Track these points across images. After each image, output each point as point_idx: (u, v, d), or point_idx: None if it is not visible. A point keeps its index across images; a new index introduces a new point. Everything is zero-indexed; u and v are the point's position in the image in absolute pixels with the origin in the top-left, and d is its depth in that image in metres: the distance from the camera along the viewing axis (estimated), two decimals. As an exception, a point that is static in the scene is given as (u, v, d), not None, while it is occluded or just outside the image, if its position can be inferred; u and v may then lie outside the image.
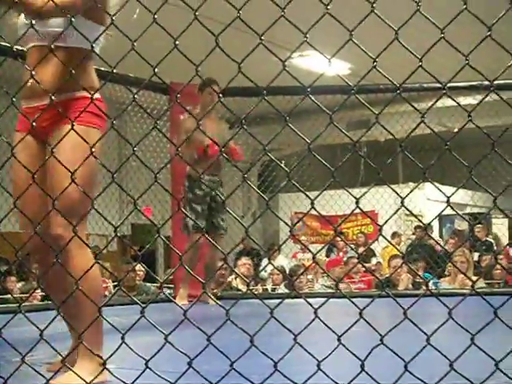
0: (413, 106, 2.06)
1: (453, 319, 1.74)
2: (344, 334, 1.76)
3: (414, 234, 12.98)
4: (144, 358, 1.83)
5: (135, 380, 1.84)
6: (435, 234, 14.45)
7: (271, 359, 1.76)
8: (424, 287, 8.67)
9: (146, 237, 14.14)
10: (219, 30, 1.82)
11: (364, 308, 1.74)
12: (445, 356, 1.75)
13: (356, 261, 10.15)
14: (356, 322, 1.73)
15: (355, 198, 1.81)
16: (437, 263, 10.17)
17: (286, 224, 2.11)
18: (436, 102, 2.07)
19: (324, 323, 1.74)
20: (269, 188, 10.97)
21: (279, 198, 14.32)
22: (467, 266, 8.32)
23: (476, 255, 10.48)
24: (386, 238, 2.03)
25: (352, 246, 12.23)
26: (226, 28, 1.82)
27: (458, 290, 7.43)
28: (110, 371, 1.90)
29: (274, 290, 9.63)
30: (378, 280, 9.22)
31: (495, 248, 11.38)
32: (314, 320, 1.73)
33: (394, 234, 12.57)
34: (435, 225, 14.79)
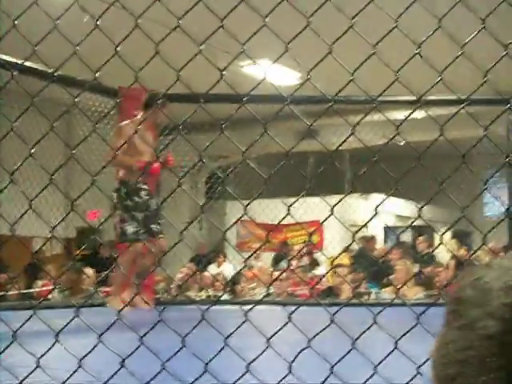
0: (344, 119, 2.09)
1: (376, 324, 1.77)
2: (272, 337, 1.77)
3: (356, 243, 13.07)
4: (76, 357, 1.81)
5: (67, 379, 1.81)
6: (380, 245, 14.58)
7: (201, 360, 1.75)
8: (366, 297, 8.76)
9: (92, 240, 13.98)
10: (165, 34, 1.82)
11: (292, 312, 1.76)
12: (368, 359, 1.77)
13: (300, 270, 10.22)
14: (284, 326, 1.74)
15: (287, 205, 1.81)
16: (380, 273, 10.27)
17: (219, 228, 2.11)
18: (365, 116, 2.13)
19: (254, 326, 1.75)
20: (215, 194, 10.96)
21: (226, 204, 14.31)
22: (408, 276, 8.42)
23: (418, 266, 10.62)
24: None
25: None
26: (169, 34, 1.82)
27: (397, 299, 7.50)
28: (44, 371, 1.86)
29: (215, 296, 9.63)
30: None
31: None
32: (243, 323, 1.74)
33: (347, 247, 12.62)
34: (380, 236, 14.92)
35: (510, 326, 0.68)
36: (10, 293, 9.49)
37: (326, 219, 1.94)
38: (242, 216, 1.81)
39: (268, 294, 9.24)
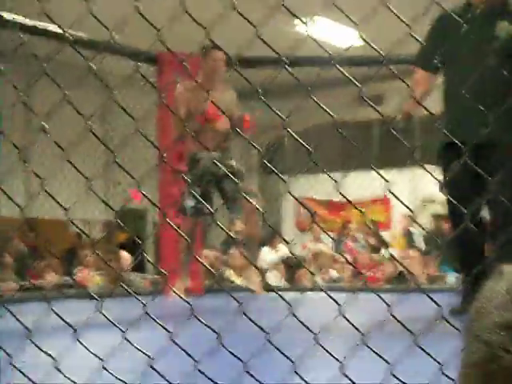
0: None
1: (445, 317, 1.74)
2: (321, 330, 1.75)
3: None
4: (101, 358, 1.83)
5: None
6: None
7: (239, 359, 1.75)
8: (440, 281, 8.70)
9: (136, 223, 14.13)
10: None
11: (343, 303, 1.72)
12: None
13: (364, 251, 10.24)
14: (336, 317, 1.71)
15: (335, 181, 1.73)
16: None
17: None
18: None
19: (300, 321, 1.72)
20: (267, 168, 10.96)
21: (280, 182, 14.27)
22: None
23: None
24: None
25: (361, 235, 12.23)
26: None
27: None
28: (60, 371, 1.89)
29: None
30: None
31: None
32: (288, 315, 1.72)
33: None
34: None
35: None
36: (47, 281, 9.65)
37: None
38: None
39: (331, 280, 9.25)
